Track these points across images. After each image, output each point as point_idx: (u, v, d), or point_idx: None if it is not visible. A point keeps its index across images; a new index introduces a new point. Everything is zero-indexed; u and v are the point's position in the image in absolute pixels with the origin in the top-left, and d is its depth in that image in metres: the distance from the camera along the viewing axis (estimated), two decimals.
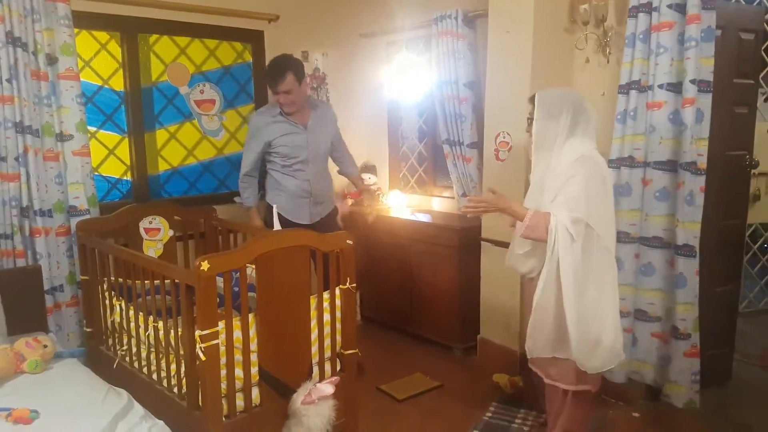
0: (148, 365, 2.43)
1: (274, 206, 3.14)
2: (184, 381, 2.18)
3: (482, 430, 2.68)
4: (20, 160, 2.82)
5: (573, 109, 2.15)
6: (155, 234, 3.22)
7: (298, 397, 2.20)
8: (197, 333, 1.97)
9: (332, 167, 3.42)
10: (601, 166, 2.18)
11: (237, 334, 2.11)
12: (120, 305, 2.60)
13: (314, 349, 2.38)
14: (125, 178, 3.54)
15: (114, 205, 3.32)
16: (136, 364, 2.52)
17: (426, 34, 3.79)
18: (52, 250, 2.98)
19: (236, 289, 2.21)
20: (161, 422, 1.93)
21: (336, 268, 2.43)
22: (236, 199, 3.29)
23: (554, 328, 2.15)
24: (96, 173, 3.29)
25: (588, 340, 2.10)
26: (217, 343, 2.00)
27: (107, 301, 2.72)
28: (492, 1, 3.11)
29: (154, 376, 2.39)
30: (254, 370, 2.18)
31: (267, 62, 3.70)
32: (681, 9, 2.53)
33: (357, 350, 2.52)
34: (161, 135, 3.62)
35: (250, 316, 2.17)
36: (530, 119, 2.25)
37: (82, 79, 3.10)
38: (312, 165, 3.11)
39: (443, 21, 3.44)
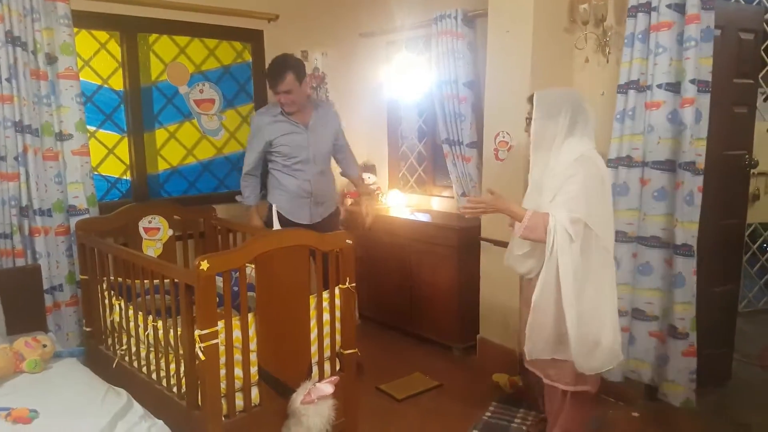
0: (148, 365, 2.43)
1: (274, 205, 3.14)
2: (183, 380, 2.18)
3: (482, 429, 2.68)
4: (20, 159, 2.82)
5: (572, 108, 2.15)
6: (155, 233, 3.23)
7: (298, 397, 2.20)
8: (197, 332, 1.97)
9: (336, 168, 3.41)
10: (600, 166, 2.18)
11: (236, 333, 2.11)
12: (119, 305, 2.60)
13: (314, 348, 2.38)
14: (125, 177, 3.54)
15: (113, 204, 3.32)
16: (135, 364, 2.52)
17: (426, 33, 3.80)
18: (52, 249, 2.98)
19: (236, 288, 2.21)
20: (160, 422, 1.93)
21: (335, 268, 2.43)
22: (238, 197, 3.30)
23: (554, 330, 2.15)
24: (95, 173, 3.28)
25: (587, 341, 2.10)
26: (217, 343, 2.01)
27: (107, 301, 2.72)
28: (492, 0, 3.11)
29: (154, 376, 2.39)
30: (254, 369, 2.18)
31: (266, 62, 3.71)
32: (680, 9, 2.53)
33: (356, 350, 2.52)
34: (161, 134, 3.62)
35: (250, 316, 2.17)
36: (529, 119, 2.25)
37: (81, 78, 3.10)
38: (313, 165, 3.10)
39: (443, 20, 3.44)
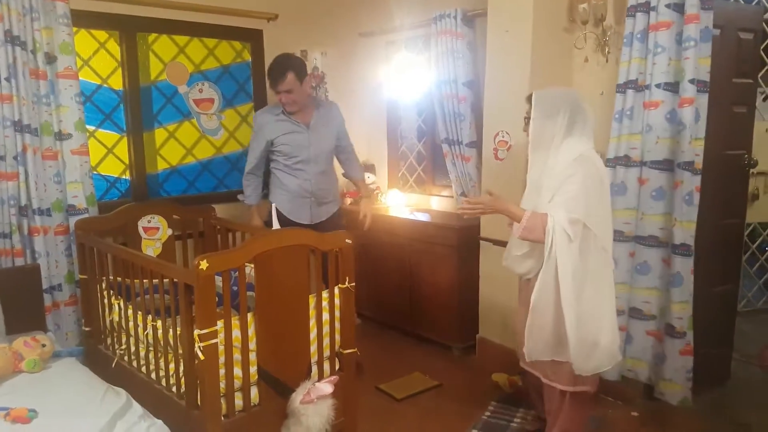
0: (147, 364, 2.43)
1: (273, 205, 3.14)
2: (182, 380, 2.18)
3: (481, 429, 2.68)
4: (19, 159, 2.81)
5: (570, 108, 2.15)
6: (154, 233, 3.22)
7: (297, 397, 2.19)
8: (196, 332, 1.97)
9: (339, 169, 3.40)
10: (599, 166, 2.18)
11: (236, 333, 2.11)
12: (119, 304, 2.60)
13: (313, 348, 2.38)
14: (124, 177, 3.54)
15: (113, 204, 3.32)
16: (134, 364, 2.52)
17: (425, 33, 3.79)
18: (51, 249, 2.97)
19: (235, 288, 2.21)
20: (160, 421, 1.93)
21: (335, 268, 2.42)
22: (239, 196, 3.30)
23: (553, 332, 2.15)
24: (95, 172, 3.28)
25: (586, 342, 2.10)
26: (216, 343, 2.00)
27: (106, 300, 2.72)
28: (491, 0, 3.11)
29: (153, 376, 2.39)
30: (253, 369, 2.18)
31: (266, 61, 3.71)
32: (679, 9, 2.53)
33: (356, 349, 2.52)
34: (160, 134, 3.62)
35: (249, 316, 2.17)
36: (527, 118, 2.25)
37: (80, 78, 3.10)
38: (314, 165, 3.09)
39: (442, 20, 3.44)
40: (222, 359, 2.06)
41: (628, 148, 2.70)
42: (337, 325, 2.46)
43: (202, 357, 1.97)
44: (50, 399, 2.01)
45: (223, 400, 2.10)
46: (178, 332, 2.19)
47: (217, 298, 2.03)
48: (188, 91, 3.69)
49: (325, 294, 2.41)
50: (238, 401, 2.17)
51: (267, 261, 2.16)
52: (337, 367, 2.50)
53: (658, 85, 2.59)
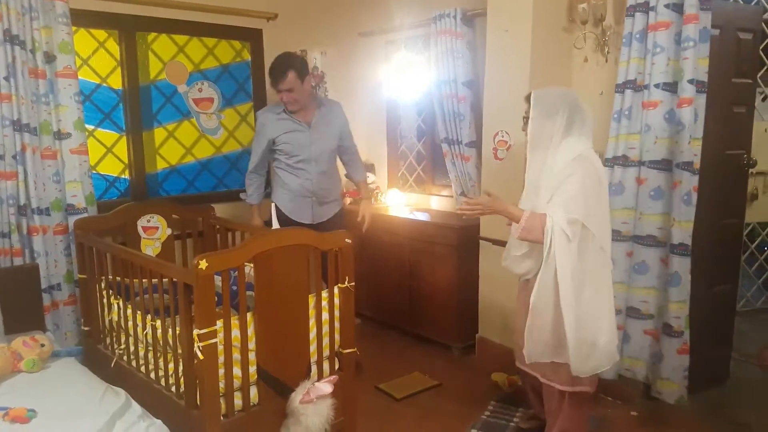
0: (146, 364, 2.43)
1: (273, 204, 3.14)
2: (182, 380, 2.18)
3: (481, 428, 2.68)
4: (18, 158, 2.81)
5: (569, 108, 2.15)
6: (153, 232, 3.22)
7: (297, 396, 2.19)
8: (195, 332, 1.97)
9: (342, 170, 3.40)
10: (597, 166, 2.18)
11: (235, 332, 2.11)
12: (118, 304, 2.60)
13: (313, 348, 2.38)
14: (123, 176, 3.53)
15: (112, 203, 3.32)
16: (134, 363, 2.51)
17: (425, 32, 3.79)
18: (50, 248, 2.97)
19: (234, 287, 2.21)
20: (159, 421, 1.93)
21: (335, 267, 2.42)
22: (242, 195, 3.30)
23: (553, 333, 2.15)
24: (94, 171, 3.28)
25: (584, 343, 2.10)
26: (215, 342, 2.00)
27: (105, 300, 2.72)
28: (491, 0, 3.11)
29: (152, 375, 2.38)
30: (252, 369, 2.18)
31: (265, 61, 3.70)
32: (678, 9, 2.53)
33: (355, 349, 2.52)
34: (159, 133, 3.62)
35: (249, 315, 2.17)
36: (526, 118, 2.25)
37: (80, 77, 3.10)
38: (315, 164, 3.08)
39: (442, 20, 3.44)
40: (221, 359, 2.06)
41: (626, 148, 2.70)
42: (337, 324, 2.46)
43: (201, 357, 1.96)
44: (49, 399, 2.01)
45: (222, 400, 2.10)
46: (178, 332, 2.18)
47: (216, 298, 2.02)
48: (188, 90, 3.69)
49: (324, 294, 2.41)
50: (238, 401, 2.16)
51: (266, 260, 2.16)
52: (336, 367, 2.50)
53: (656, 85, 2.60)
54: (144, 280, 2.44)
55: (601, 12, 2.84)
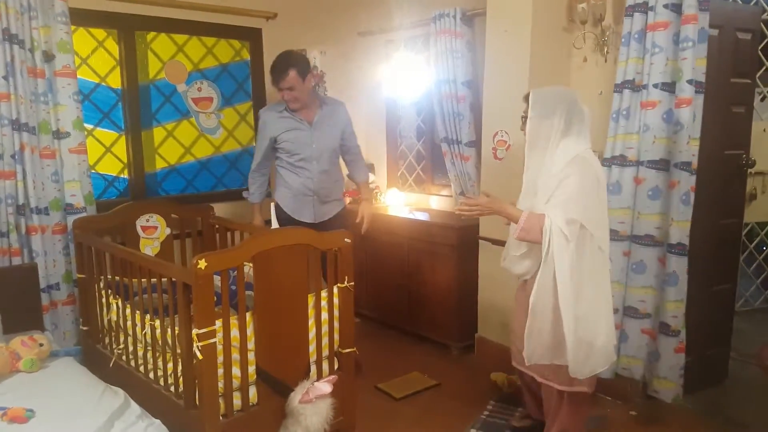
0: (145, 364, 2.43)
1: (272, 203, 3.14)
2: (181, 380, 2.18)
3: (480, 428, 2.68)
4: (17, 157, 2.81)
5: (567, 108, 2.15)
6: (152, 232, 3.22)
7: (296, 396, 2.19)
8: (194, 331, 1.97)
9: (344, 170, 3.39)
10: (596, 166, 2.18)
11: (234, 332, 2.11)
12: (117, 303, 2.60)
13: (312, 347, 2.38)
14: (122, 175, 3.53)
15: (111, 203, 3.32)
16: (132, 363, 2.51)
17: (424, 32, 3.79)
18: (49, 248, 2.97)
19: (234, 287, 2.21)
20: (158, 421, 1.92)
21: (334, 267, 2.42)
22: (244, 193, 3.29)
23: (552, 334, 2.14)
24: (93, 171, 3.28)
25: (583, 343, 2.10)
26: (215, 342, 2.00)
27: (104, 300, 2.72)
28: (490, 0, 3.11)
29: (151, 375, 2.38)
30: (251, 368, 2.18)
31: (265, 60, 3.70)
32: (677, 9, 2.53)
33: (355, 349, 2.52)
34: (158, 133, 3.62)
35: (248, 315, 2.17)
36: (525, 117, 2.25)
37: (79, 76, 3.09)
38: (316, 163, 3.07)
39: (442, 19, 3.44)
40: (220, 359, 2.06)
41: (624, 148, 2.70)
42: (336, 324, 2.46)
43: (200, 356, 1.96)
44: (48, 399, 2.00)
45: (221, 400, 2.10)
46: (177, 332, 2.18)
47: (215, 298, 2.02)
48: (187, 89, 3.69)
49: (324, 293, 2.41)
50: (237, 401, 2.16)
51: (266, 260, 2.16)
52: (335, 367, 2.50)
53: (655, 85, 2.59)
54: (143, 280, 2.44)
55: (601, 12, 2.84)
